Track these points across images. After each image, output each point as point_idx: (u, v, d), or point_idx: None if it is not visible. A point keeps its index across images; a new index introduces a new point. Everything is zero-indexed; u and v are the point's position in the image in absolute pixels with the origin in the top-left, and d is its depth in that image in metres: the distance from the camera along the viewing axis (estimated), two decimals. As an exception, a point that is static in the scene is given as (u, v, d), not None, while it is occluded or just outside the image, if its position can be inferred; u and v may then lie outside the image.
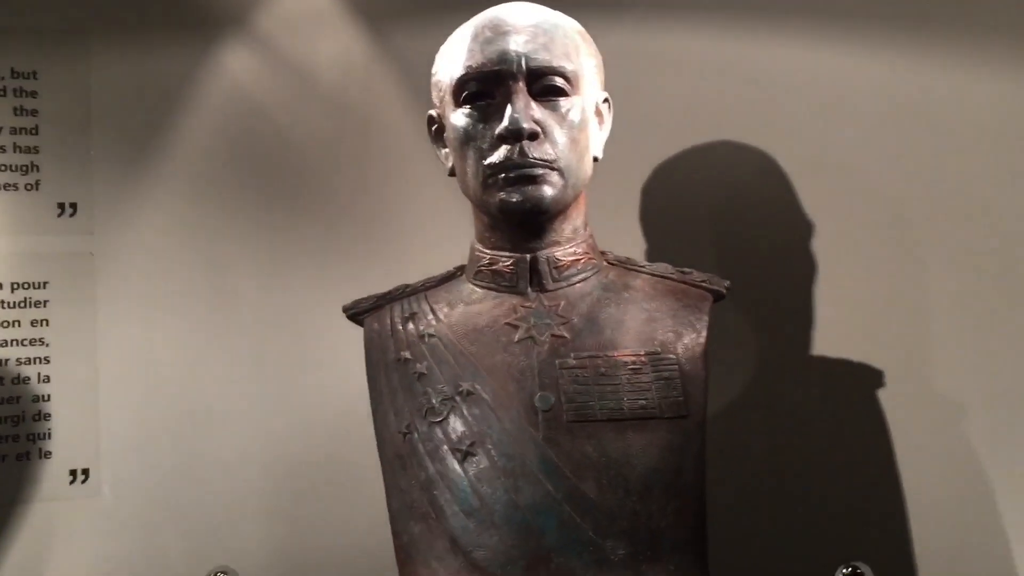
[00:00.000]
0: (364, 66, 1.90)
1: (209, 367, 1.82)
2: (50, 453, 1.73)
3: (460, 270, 1.44)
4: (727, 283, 1.37)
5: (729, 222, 1.80)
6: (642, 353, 1.28)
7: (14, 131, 1.75)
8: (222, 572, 1.51)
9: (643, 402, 1.24)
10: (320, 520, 1.80)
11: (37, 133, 1.76)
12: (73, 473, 1.74)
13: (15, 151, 1.75)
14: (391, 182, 1.87)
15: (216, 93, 1.85)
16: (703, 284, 1.37)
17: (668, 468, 1.23)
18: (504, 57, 1.29)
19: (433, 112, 1.43)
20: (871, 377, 1.71)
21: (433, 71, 1.42)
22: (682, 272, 1.38)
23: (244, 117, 1.86)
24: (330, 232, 1.86)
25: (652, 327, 1.31)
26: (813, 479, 1.73)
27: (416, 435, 1.29)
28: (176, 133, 1.84)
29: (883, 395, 1.71)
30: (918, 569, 1.68)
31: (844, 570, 1.31)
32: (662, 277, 1.38)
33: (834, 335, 1.74)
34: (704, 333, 1.31)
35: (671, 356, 1.28)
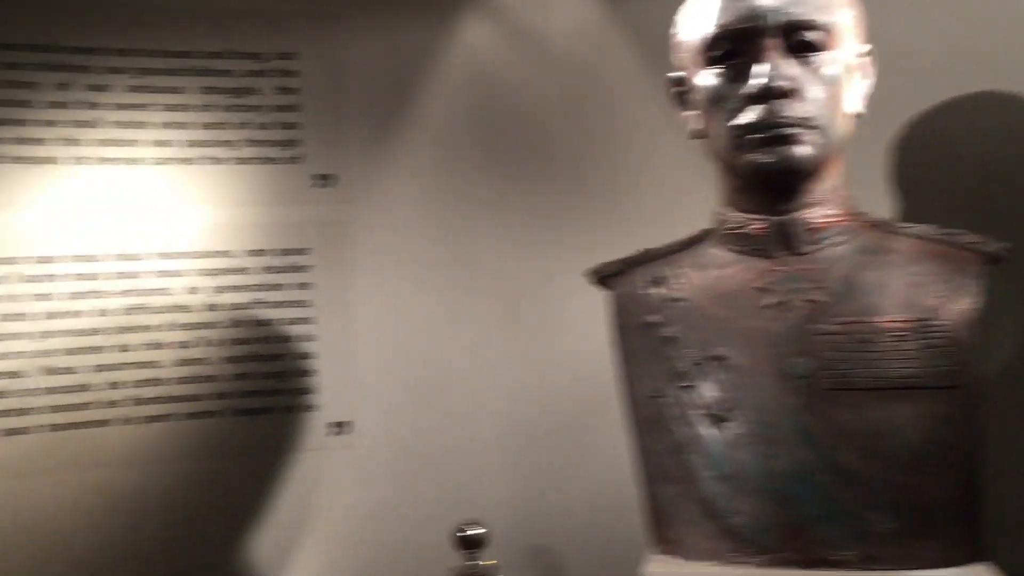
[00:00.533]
0: (599, 32, 1.90)
1: (455, 329, 1.90)
2: (314, 406, 1.87)
3: (706, 233, 1.42)
4: (1007, 245, 1.27)
5: (995, 180, 1.66)
6: (906, 319, 1.21)
7: (278, 108, 1.88)
8: (469, 523, 1.57)
9: (909, 371, 1.18)
10: (563, 479, 1.85)
11: (299, 110, 1.89)
12: (334, 425, 1.88)
13: (279, 127, 1.88)
14: (629, 147, 1.87)
15: (456, 65, 1.92)
16: (976, 246, 1.27)
17: (938, 440, 1.16)
18: (755, 13, 1.25)
19: (674, 74, 1.41)
20: None
21: (674, 32, 1.40)
22: (950, 233, 1.29)
23: (483, 87, 1.92)
24: (568, 198, 1.90)
25: (917, 292, 1.24)
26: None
27: (666, 399, 1.29)
28: (421, 106, 1.92)
29: None
30: None
31: None
32: (927, 239, 1.30)
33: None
34: (976, 299, 1.22)
35: (940, 323, 1.20)
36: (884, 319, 1.22)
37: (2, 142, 1.72)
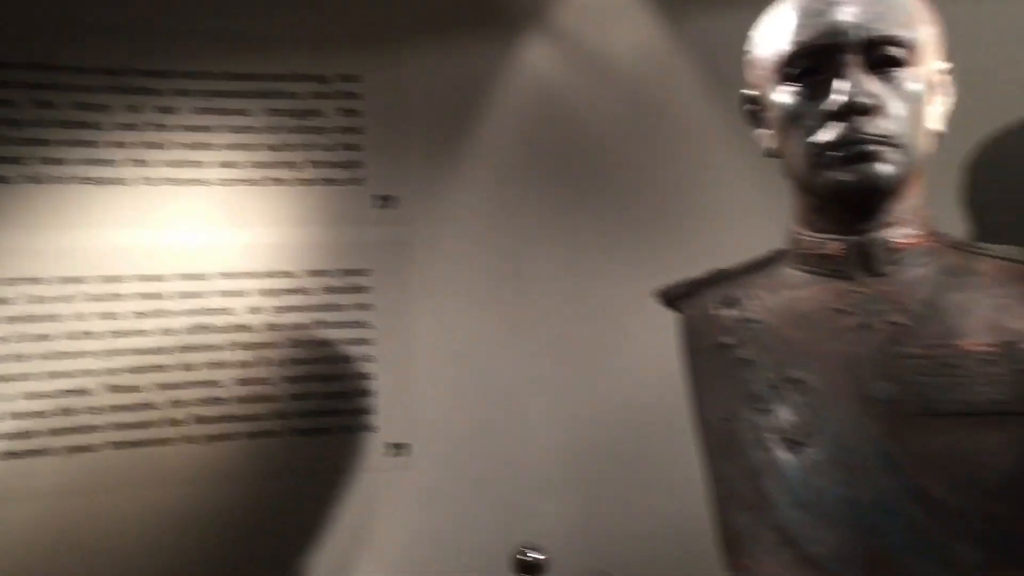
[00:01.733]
0: (661, 50, 1.89)
1: (513, 351, 1.89)
2: (372, 427, 1.86)
3: (778, 254, 1.39)
4: (1097, 265, 1.22)
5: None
6: (994, 343, 1.17)
7: (341, 130, 1.89)
8: (527, 547, 1.55)
9: (999, 397, 1.14)
10: (625, 504, 1.82)
11: (361, 132, 1.89)
12: (392, 447, 1.87)
13: (341, 149, 1.89)
14: (692, 166, 1.86)
15: (518, 87, 1.92)
16: (1067, 268, 1.23)
17: (1030, 469, 1.12)
18: (836, 29, 1.22)
19: (748, 91, 1.39)
20: None
21: (748, 48, 1.38)
22: (1037, 255, 1.25)
23: (544, 109, 1.91)
24: (629, 218, 1.88)
25: (1004, 315, 1.19)
26: None
27: (740, 422, 1.26)
28: (481, 127, 1.92)
29: None
30: None
31: None
32: (1012, 260, 1.26)
33: None
34: (1067, 321, 1.18)
35: (1030, 347, 1.16)
36: (970, 342, 1.18)
37: (73, 163, 1.75)
